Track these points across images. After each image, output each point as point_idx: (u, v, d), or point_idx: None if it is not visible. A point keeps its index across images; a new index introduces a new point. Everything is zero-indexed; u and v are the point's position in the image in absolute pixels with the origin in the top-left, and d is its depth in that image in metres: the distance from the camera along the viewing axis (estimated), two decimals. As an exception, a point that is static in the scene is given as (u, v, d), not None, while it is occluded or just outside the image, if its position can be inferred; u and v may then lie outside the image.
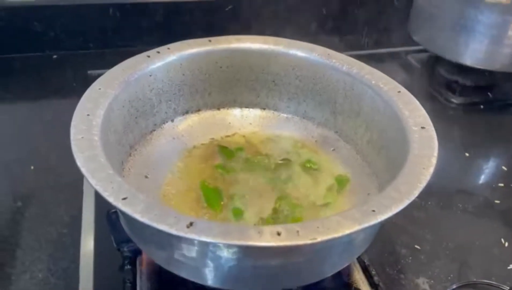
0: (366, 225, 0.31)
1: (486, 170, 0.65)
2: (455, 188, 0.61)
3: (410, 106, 0.45)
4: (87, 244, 0.49)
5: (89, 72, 0.78)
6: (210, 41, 0.52)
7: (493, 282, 0.48)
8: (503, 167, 0.65)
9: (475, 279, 0.48)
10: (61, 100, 0.73)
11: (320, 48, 0.53)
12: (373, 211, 0.32)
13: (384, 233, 0.54)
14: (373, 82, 0.48)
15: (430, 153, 0.38)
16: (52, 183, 0.57)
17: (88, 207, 0.53)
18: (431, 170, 0.37)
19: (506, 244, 0.54)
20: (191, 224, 0.30)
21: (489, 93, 0.77)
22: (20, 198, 0.55)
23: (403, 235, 0.54)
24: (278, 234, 0.30)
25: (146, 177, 0.47)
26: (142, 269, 0.45)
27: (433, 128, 0.42)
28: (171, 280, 0.41)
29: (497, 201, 0.59)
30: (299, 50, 0.53)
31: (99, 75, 0.77)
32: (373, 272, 0.47)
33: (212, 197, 0.46)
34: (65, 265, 0.48)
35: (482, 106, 0.77)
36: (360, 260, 0.48)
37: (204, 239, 0.29)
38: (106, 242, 0.47)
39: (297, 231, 0.31)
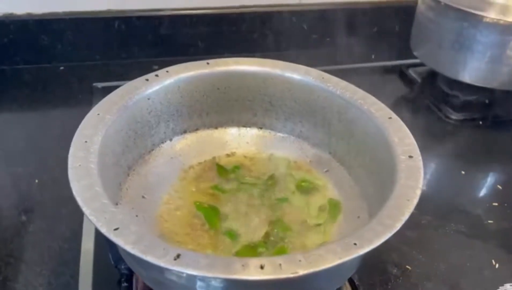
0: (346, 259, 0.32)
1: (481, 189, 0.66)
2: (449, 206, 0.62)
3: (399, 134, 0.46)
4: (87, 260, 0.51)
5: (94, 84, 0.80)
6: (208, 63, 0.54)
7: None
8: (499, 186, 0.66)
9: (463, 302, 0.49)
10: (66, 112, 0.76)
11: (315, 71, 0.54)
12: (355, 244, 0.34)
13: (376, 252, 0.54)
14: (365, 107, 0.49)
15: (415, 184, 0.39)
16: (55, 197, 0.59)
17: (88, 222, 0.55)
18: (415, 201, 0.38)
19: (497, 265, 0.54)
20: (178, 256, 0.32)
21: (488, 110, 0.77)
22: (24, 212, 0.57)
23: (395, 255, 0.55)
24: (261, 267, 0.32)
25: (143, 197, 0.49)
26: (138, 287, 0.47)
27: (420, 158, 0.43)
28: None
29: (490, 221, 0.60)
30: (295, 73, 0.54)
31: (103, 88, 0.79)
32: (363, 293, 0.49)
33: (211, 216, 0.48)
34: (65, 280, 0.50)
35: (481, 122, 0.77)
36: (350, 280, 0.49)
37: (190, 271, 0.31)
38: (105, 258, 0.49)
39: (280, 264, 0.32)
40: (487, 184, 0.67)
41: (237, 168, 0.54)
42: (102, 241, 0.52)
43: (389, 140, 0.45)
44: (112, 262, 0.48)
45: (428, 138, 0.75)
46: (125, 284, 0.47)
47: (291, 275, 0.31)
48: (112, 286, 0.48)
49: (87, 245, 0.53)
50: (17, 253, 0.52)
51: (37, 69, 0.83)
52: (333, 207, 0.49)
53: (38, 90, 0.79)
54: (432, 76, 0.83)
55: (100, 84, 0.79)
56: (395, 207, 0.37)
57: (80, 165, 0.39)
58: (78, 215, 0.56)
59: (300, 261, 0.32)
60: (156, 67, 0.54)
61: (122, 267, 0.48)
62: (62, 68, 0.84)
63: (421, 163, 0.42)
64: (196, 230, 0.46)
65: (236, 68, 0.54)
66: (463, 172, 0.68)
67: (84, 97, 0.77)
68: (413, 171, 0.41)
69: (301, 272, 0.32)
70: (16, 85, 0.80)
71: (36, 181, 0.61)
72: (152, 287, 0.41)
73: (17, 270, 0.50)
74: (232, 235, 0.46)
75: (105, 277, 0.49)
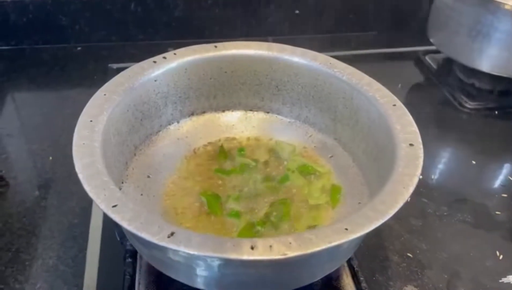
0: (336, 243, 0.33)
1: (492, 179, 0.65)
2: (456, 195, 0.61)
3: (402, 121, 0.45)
4: (95, 236, 0.53)
5: (109, 65, 0.81)
6: (216, 47, 0.54)
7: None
8: (510, 177, 0.65)
9: (462, 292, 0.49)
10: (82, 92, 0.77)
11: (323, 56, 0.54)
12: (346, 229, 0.34)
13: (378, 239, 0.55)
14: (370, 93, 0.49)
15: (413, 172, 0.39)
16: (68, 174, 0.61)
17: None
18: (411, 189, 0.38)
19: (501, 257, 0.54)
20: (172, 234, 0.33)
21: (504, 100, 0.76)
22: (38, 188, 0.60)
23: (397, 242, 0.55)
24: (252, 248, 0.32)
25: (148, 176, 0.50)
26: (141, 263, 0.48)
27: (421, 147, 0.42)
28: (168, 276, 0.44)
29: (497, 212, 0.59)
30: (302, 58, 0.54)
31: (117, 69, 0.81)
32: (362, 278, 0.49)
33: (213, 203, 0.49)
34: (73, 254, 0.52)
35: (496, 112, 0.76)
36: (349, 265, 0.50)
37: (182, 249, 0.32)
38: (112, 235, 0.51)
39: (270, 246, 0.33)
40: (498, 174, 0.66)
41: (242, 150, 0.55)
42: (110, 219, 0.53)
43: (391, 128, 0.45)
44: (118, 239, 0.50)
45: (441, 126, 0.74)
46: (129, 260, 0.49)
47: (280, 257, 0.32)
48: (117, 261, 0.50)
49: (96, 221, 0.55)
50: (29, 226, 0.54)
51: (55, 49, 0.85)
52: (335, 192, 0.50)
53: (55, 69, 0.81)
54: (449, 63, 0.81)
55: (115, 65, 0.81)
56: (390, 194, 0.37)
57: (84, 144, 0.40)
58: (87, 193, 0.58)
59: (290, 243, 0.33)
60: (171, 49, 0.54)
61: (127, 243, 0.49)
62: (79, 48, 0.86)
63: (421, 152, 0.42)
64: (200, 212, 0.47)
65: (243, 52, 0.55)
66: (474, 162, 0.67)
67: (99, 77, 0.79)
68: (413, 159, 0.41)
69: (290, 254, 0.32)
70: (35, 64, 0.82)
71: (50, 158, 0.63)
72: (152, 264, 0.42)
73: (28, 243, 0.53)
74: (234, 215, 0.47)
75: (111, 252, 0.51)
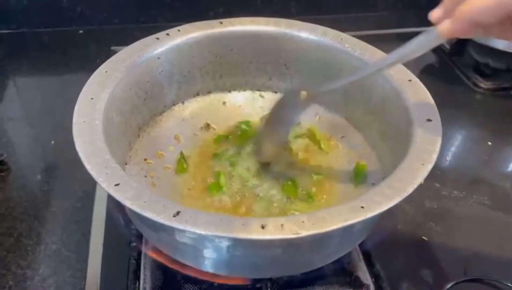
0: (352, 221, 0.31)
1: (509, 161, 0.63)
2: (472, 177, 0.59)
3: (419, 97, 0.43)
4: (99, 220, 0.51)
5: (112, 48, 0.79)
6: (221, 23, 0.52)
7: (499, 279, 0.47)
8: (528, 158, 0.62)
9: (480, 275, 0.47)
10: (84, 75, 0.74)
11: (333, 32, 0.51)
12: (362, 207, 0.32)
13: (391, 221, 0.53)
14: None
15: (432, 148, 0.37)
16: (70, 158, 0.58)
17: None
18: (430, 166, 0.36)
19: (520, 240, 0.52)
20: (177, 213, 0.31)
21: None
22: (40, 172, 0.58)
23: (412, 225, 0.53)
24: (263, 227, 0.31)
25: (152, 158, 0.48)
26: (147, 248, 0.47)
27: (439, 122, 0.40)
28: (175, 260, 0.42)
29: (515, 194, 0.57)
30: (311, 34, 0.52)
31: (121, 52, 0.78)
32: (375, 261, 0.47)
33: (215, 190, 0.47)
34: (77, 238, 0.50)
35: (512, 92, 0.73)
36: (362, 248, 0.48)
37: (188, 228, 0.30)
38: (116, 218, 0.49)
39: (282, 225, 0.31)
40: (515, 155, 0.63)
41: (245, 132, 0.52)
42: (114, 202, 0.52)
43: (407, 104, 0.43)
44: (123, 222, 0.48)
45: (456, 107, 0.71)
46: (134, 244, 0.47)
47: (293, 236, 0.30)
48: (122, 245, 0.48)
49: (100, 205, 0.53)
50: (31, 211, 0.53)
51: (57, 33, 0.83)
52: (359, 170, 0.47)
53: (57, 53, 0.80)
54: (462, 42, 0.78)
55: (118, 48, 0.78)
56: (408, 170, 0.35)
57: (84, 121, 0.38)
58: (91, 176, 0.56)
59: (303, 222, 0.31)
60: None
61: (133, 227, 0.48)
62: (81, 31, 0.84)
63: (440, 127, 0.39)
64: (205, 194, 0.45)
65: (250, 28, 0.52)
66: (489, 143, 0.64)
67: (102, 61, 0.75)
68: (431, 134, 0.39)
69: (303, 233, 0.30)
70: (36, 48, 0.80)
71: (52, 142, 0.62)
72: (158, 247, 0.41)
73: (31, 228, 0.51)
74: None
75: (115, 236, 0.50)
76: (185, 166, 0.48)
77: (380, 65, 0.40)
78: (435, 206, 0.55)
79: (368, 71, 0.41)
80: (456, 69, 0.77)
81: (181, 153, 0.49)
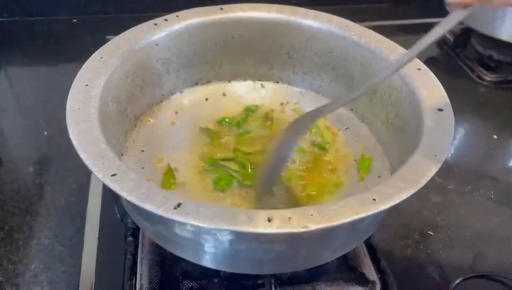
0: (363, 215, 0.29)
1: (515, 154, 0.62)
2: (478, 172, 0.58)
3: (429, 86, 0.41)
4: (93, 214, 0.50)
5: (107, 37, 0.76)
6: (221, 9, 0.50)
7: (507, 275, 0.45)
8: (534, 152, 0.61)
9: (488, 271, 0.46)
10: (78, 66, 0.72)
11: (338, 19, 0.49)
12: (374, 199, 0.30)
13: (396, 216, 0.52)
14: (391, 58, 0.45)
15: (445, 138, 0.36)
16: (64, 150, 0.57)
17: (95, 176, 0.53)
18: (443, 157, 0.34)
19: (527, 236, 0.51)
20: (178, 205, 0.29)
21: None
22: (32, 164, 0.56)
23: (417, 219, 0.52)
24: (269, 220, 0.29)
25: (148, 149, 0.46)
26: (144, 242, 0.45)
27: (451, 112, 0.38)
28: (173, 255, 0.40)
29: (522, 188, 0.56)
30: (316, 21, 0.50)
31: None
32: (380, 257, 0.45)
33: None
34: (70, 233, 0.48)
35: (516, 85, 0.72)
36: (367, 243, 0.46)
37: (190, 221, 0.28)
38: (112, 212, 0.47)
39: (289, 218, 0.29)
40: (521, 149, 0.62)
41: (239, 123, 0.51)
42: (109, 195, 0.50)
43: (416, 94, 0.41)
44: (119, 216, 0.46)
45: (459, 100, 0.69)
46: (130, 239, 0.45)
47: (301, 230, 0.28)
48: (118, 240, 0.46)
49: (95, 198, 0.51)
50: (23, 204, 0.51)
51: (50, 21, 0.81)
52: (364, 163, 0.46)
53: (51, 42, 0.77)
54: (466, 34, 0.77)
55: (113, 38, 0.76)
56: (421, 162, 0.33)
57: (79, 109, 0.36)
58: (86, 168, 0.54)
59: (312, 215, 0.29)
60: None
61: (129, 220, 0.46)
62: (75, 20, 0.82)
63: (452, 116, 0.38)
64: (206, 187, 0.44)
65: (251, 15, 0.50)
66: (495, 136, 0.63)
67: (96, 50, 0.75)
68: (443, 124, 0.37)
69: (312, 227, 0.28)
70: (28, 37, 0.78)
71: (45, 133, 0.60)
72: (156, 241, 0.39)
73: (22, 222, 0.49)
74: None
75: (111, 230, 0.48)
76: (172, 180, 0.43)
77: (400, 64, 0.37)
78: (441, 200, 0.54)
79: (388, 72, 0.37)
80: (460, 62, 0.76)
81: (168, 165, 0.45)
